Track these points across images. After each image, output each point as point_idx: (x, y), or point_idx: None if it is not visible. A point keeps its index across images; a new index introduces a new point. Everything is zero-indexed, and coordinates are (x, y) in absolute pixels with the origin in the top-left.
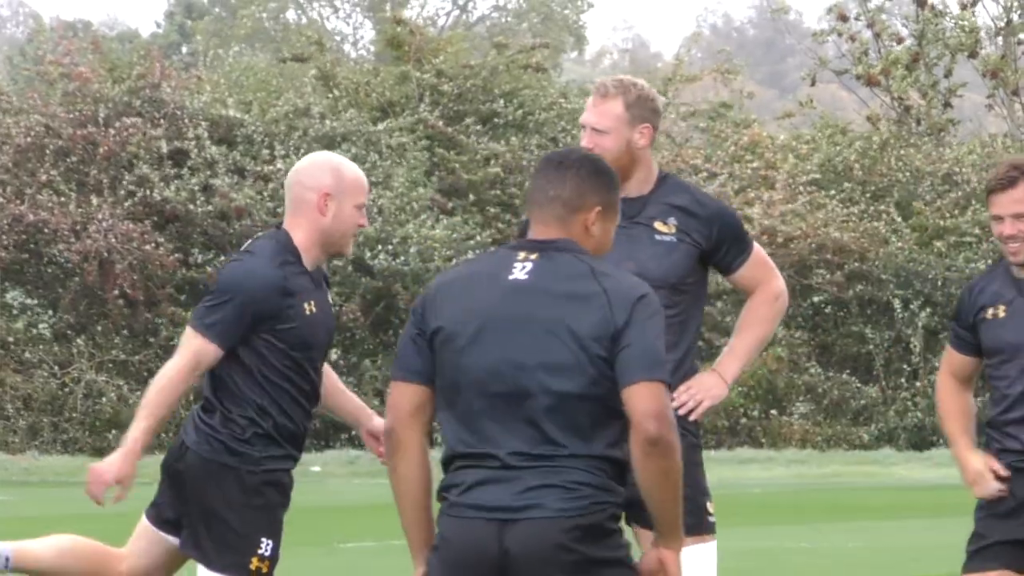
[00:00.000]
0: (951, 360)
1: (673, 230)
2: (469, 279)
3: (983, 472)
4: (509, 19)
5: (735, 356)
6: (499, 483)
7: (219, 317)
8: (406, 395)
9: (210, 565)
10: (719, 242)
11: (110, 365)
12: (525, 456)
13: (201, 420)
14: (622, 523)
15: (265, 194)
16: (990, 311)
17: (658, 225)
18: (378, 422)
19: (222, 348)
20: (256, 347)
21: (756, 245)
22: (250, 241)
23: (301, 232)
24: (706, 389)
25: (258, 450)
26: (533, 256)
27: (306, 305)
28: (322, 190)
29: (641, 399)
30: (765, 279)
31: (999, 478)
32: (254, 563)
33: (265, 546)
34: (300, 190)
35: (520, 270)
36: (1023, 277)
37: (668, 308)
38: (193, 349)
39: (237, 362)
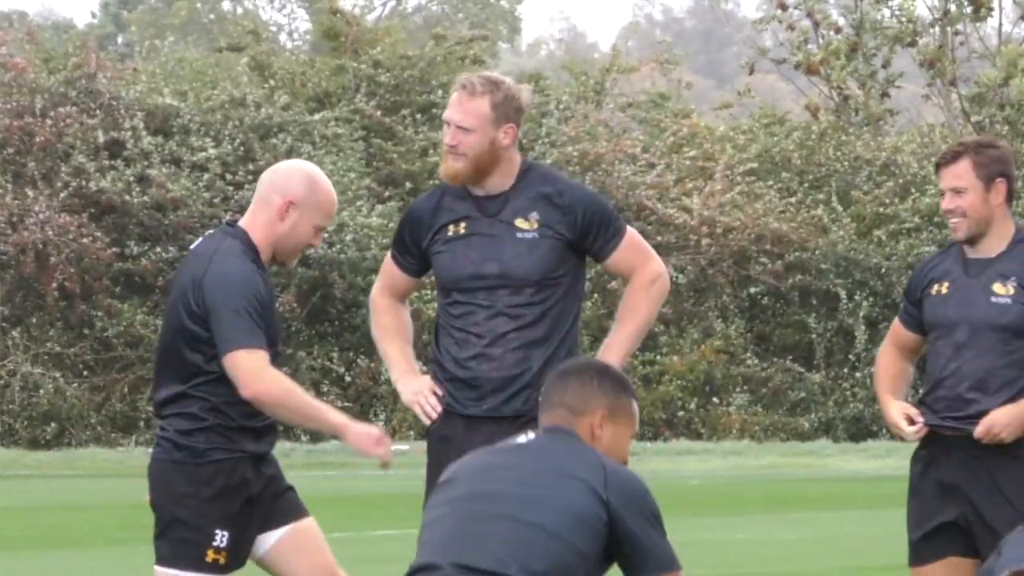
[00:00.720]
0: (896, 333)
1: (535, 225)
2: (482, 450)
3: (898, 421)
4: (446, 8)
5: (613, 352)
6: None
7: (250, 325)
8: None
9: (163, 562)
10: (585, 229)
11: (46, 357)
12: (474, 571)
13: (158, 431)
14: None
15: (201, 184)
16: (935, 287)
17: (519, 222)
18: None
19: (266, 350)
20: (204, 347)
21: (630, 229)
22: (204, 240)
23: (258, 232)
24: None
25: (202, 442)
26: (541, 431)
27: (274, 300)
28: (288, 197)
29: None
30: (640, 263)
31: (921, 426)
32: (210, 555)
33: (220, 537)
34: (269, 190)
35: (524, 439)
36: (972, 257)
37: (535, 304)
38: (257, 365)
39: (185, 364)
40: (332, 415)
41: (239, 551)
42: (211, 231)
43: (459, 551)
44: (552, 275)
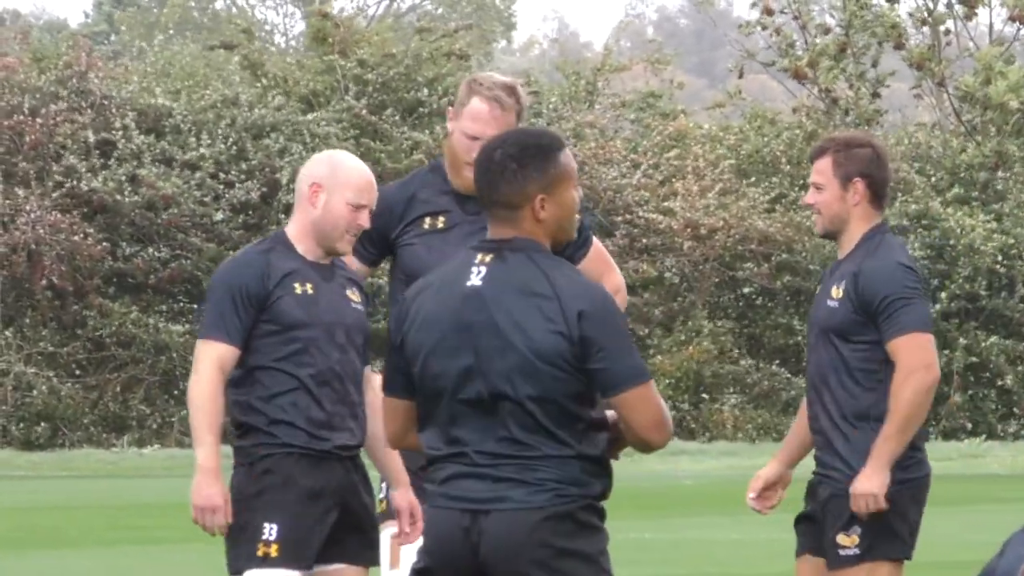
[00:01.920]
0: None
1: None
2: (433, 289)
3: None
4: (440, 9)
5: None
6: (470, 477)
7: (215, 316)
8: (396, 412)
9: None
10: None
11: (39, 357)
12: (496, 456)
13: None
14: (598, 519)
15: (192, 183)
16: (818, 288)
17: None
18: (402, 500)
19: (233, 346)
20: (252, 336)
21: (595, 239)
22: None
23: (295, 226)
24: None
25: (248, 441)
26: (488, 259)
27: (296, 284)
28: (312, 180)
29: (639, 410)
30: (605, 273)
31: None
32: (260, 549)
33: (268, 530)
34: (299, 184)
35: (476, 275)
36: (838, 257)
37: None
38: (201, 356)
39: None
40: (201, 454)
41: (293, 539)
42: None
43: (477, 437)
44: None
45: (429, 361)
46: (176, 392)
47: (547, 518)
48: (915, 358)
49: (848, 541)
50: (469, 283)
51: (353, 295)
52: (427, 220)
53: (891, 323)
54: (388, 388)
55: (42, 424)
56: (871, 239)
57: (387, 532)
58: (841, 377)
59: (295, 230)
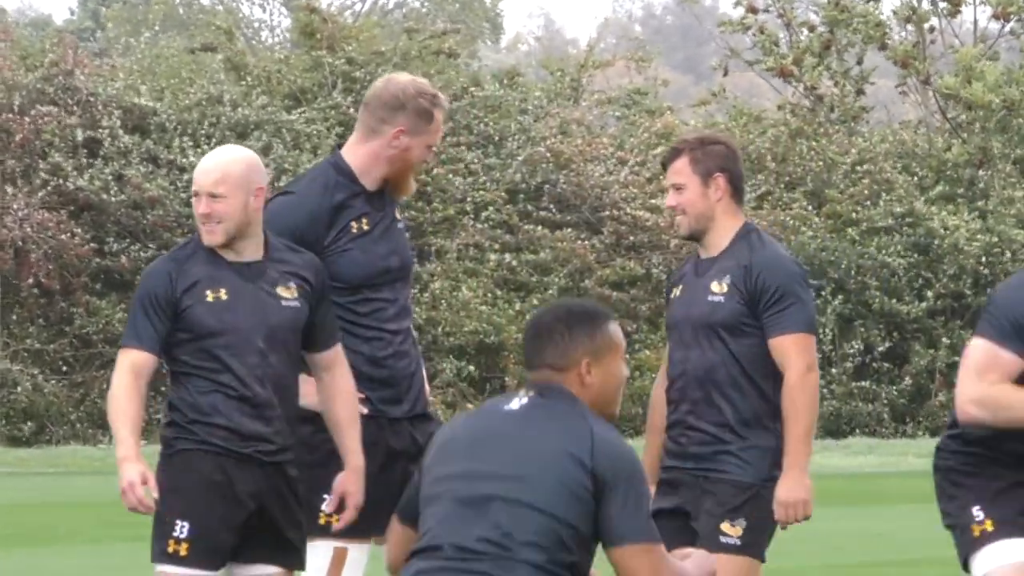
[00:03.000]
0: None
1: (400, 215)
2: (472, 416)
3: None
4: (427, 6)
5: None
6: (446, 572)
7: (131, 324)
8: (400, 537)
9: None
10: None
11: (25, 354)
12: (471, 552)
13: None
14: None
15: (179, 184)
16: (675, 291)
17: (396, 213)
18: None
19: (146, 351)
20: (170, 343)
21: None
22: None
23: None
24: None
25: (170, 432)
26: (531, 393)
27: (208, 292)
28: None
29: (639, 566)
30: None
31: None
32: (171, 545)
33: (180, 528)
34: None
35: (516, 402)
36: (702, 256)
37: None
38: (117, 363)
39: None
40: (121, 446)
41: (202, 538)
42: None
43: (457, 533)
44: None
45: (441, 462)
46: (162, 388)
47: None
48: (804, 359)
49: (732, 531)
50: (507, 407)
51: (287, 291)
52: (354, 225)
53: (780, 319)
54: (403, 515)
55: (29, 422)
56: (748, 236)
57: (326, 544)
58: (732, 373)
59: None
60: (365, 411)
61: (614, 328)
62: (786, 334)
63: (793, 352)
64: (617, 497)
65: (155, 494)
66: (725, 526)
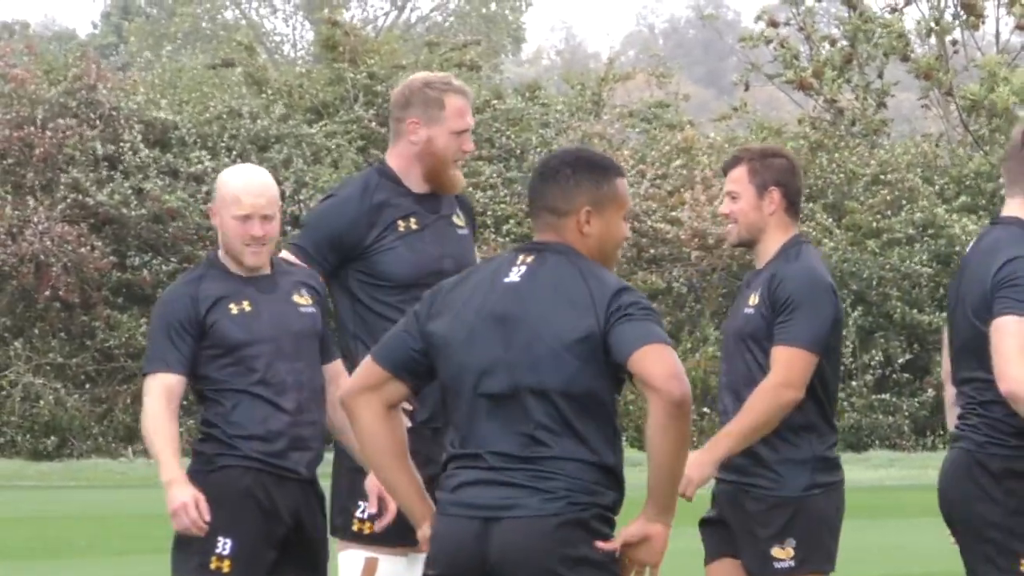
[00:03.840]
0: None
1: (465, 223)
2: (470, 284)
3: None
4: (449, 20)
5: None
6: (485, 484)
7: (156, 349)
8: (367, 372)
9: (177, 570)
10: (472, 228)
11: (47, 368)
12: (510, 458)
13: None
14: (608, 528)
15: (199, 196)
16: (737, 298)
17: (455, 219)
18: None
19: (176, 374)
20: (199, 363)
21: None
22: None
23: (221, 247)
24: None
25: (209, 448)
26: (529, 259)
27: (232, 306)
28: (211, 206)
29: (654, 362)
30: None
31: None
32: (213, 562)
33: (223, 545)
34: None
35: (515, 273)
36: (755, 267)
37: None
38: (146, 389)
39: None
40: (166, 469)
41: (244, 557)
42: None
43: (495, 437)
44: None
45: (453, 352)
46: (184, 403)
47: (559, 526)
48: (785, 373)
49: (783, 554)
50: (507, 279)
51: (301, 298)
52: (400, 223)
53: (781, 329)
54: (378, 355)
55: (50, 436)
56: (790, 249)
57: (358, 554)
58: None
59: (222, 251)
60: (409, 424)
61: (621, 183)
62: (780, 345)
63: (779, 363)
64: (622, 318)
65: (207, 516)
66: (776, 551)
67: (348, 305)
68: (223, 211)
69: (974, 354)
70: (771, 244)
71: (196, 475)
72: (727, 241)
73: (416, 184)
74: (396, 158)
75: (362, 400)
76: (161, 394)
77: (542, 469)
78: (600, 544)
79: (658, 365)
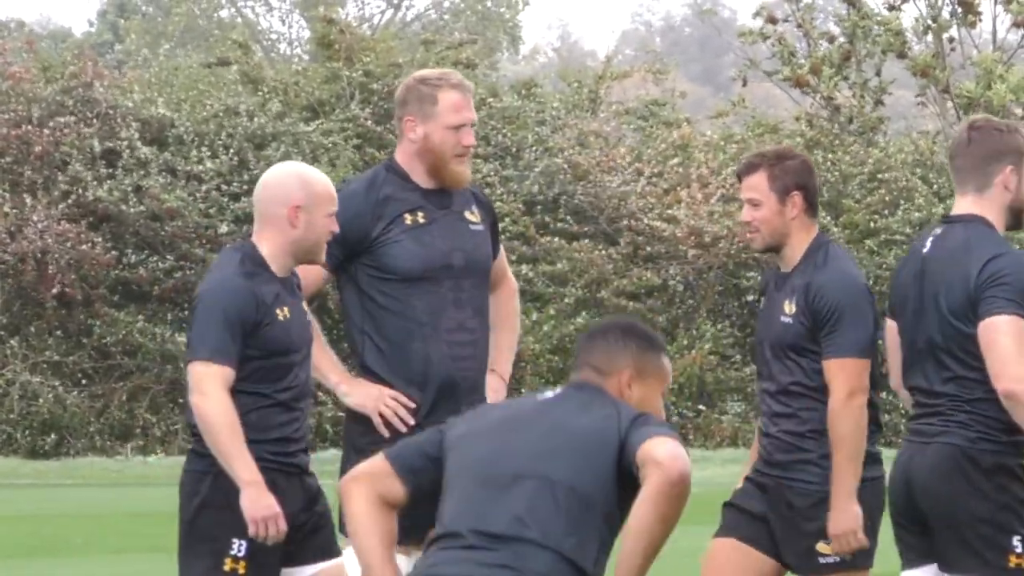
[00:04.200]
0: None
1: (479, 218)
2: (504, 404)
3: None
4: (445, 17)
5: (503, 368)
6: (459, 563)
7: (215, 339)
8: (373, 461)
9: (185, 572)
10: (495, 228)
11: (44, 366)
12: (491, 537)
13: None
14: None
15: (198, 195)
16: (762, 300)
17: (468, 215)
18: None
19: (232, 369)
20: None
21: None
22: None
23: (268, 244)
24: (497, 393)
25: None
26: (569, 388)
27: (280, 311)
28: (292, 203)
29: (661, 444)
30: (507, 272)
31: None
32: (228, 564)
33: (238, 546)
34: (269, 205)
35: (551, 393)
36: (781, 270)
37: (486, 296)
38: (205, 379)
39: None
40: (244, 470)
41: (258, 559)
42: (226, 246)
43: (478, 516)
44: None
45: (465, 445)
46: (181, 401)
47: None
48: (847, 385)
49: (828, 549)
50: (541, 397)
51: (305, 305)
52: (407, 217)
53: (830, 342)
54: (393, 460)
55: (49, 434)
56: (816, 251)
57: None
58: (807, 387)
59: (270, 250)
60: (412, 422)
61: (666, 361)
62: (832, 358)
63: (836, 377)
64: (637, 429)
65: (283, 525)
66: (821, 547)
67: (355, 299)
68: (316, 209)
69: (952, 355)
70: (797, 247)
71: (202, 474)
72: (752, 247)
73: (423, 180)
74: (401, 156)
75: (359, 484)
76: (224, 388)
77: (520, 552)
78: None
79: (665, 446)
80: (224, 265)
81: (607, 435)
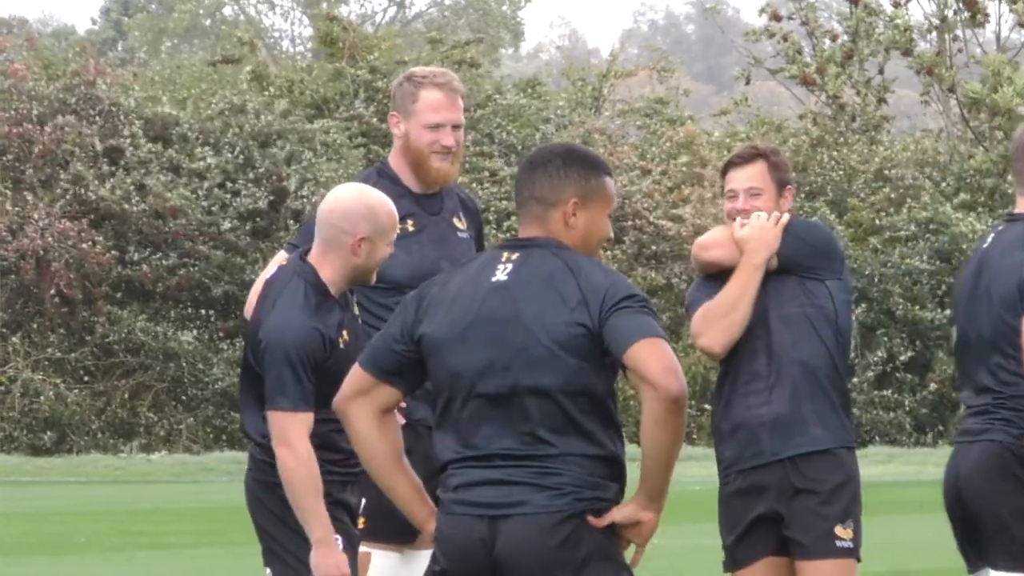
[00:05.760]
0: None
1: (466, 226)
2: (456, 284)
3: None
4: (447, 15)
5: None
6: (489, 483)
7: (296, 385)
8: (356, 378)
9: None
10: (480, 232)
11: (46, 363)
12: (514, 457)
13: (254, 452)
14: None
15: (200, 192)
16: None
17: (456, 222)
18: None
19: (311, 411)
20: None
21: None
22: (278, 272)
23: (329, 269)
24: None
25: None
26: (515, 256)
27: (341, 338)
28: (358, 235)
29: (650, 356)
30: None
31: None
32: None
33: (360, 506)
34: (335, 232)
35: (501, 271)
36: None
37: None
38: (290, 430)
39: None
40: (320, 529)
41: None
42: (285, 260)
43: (499, 437)
44: None
45: (448, 354)
46: (184, 398)
47: (565, 520)
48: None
49: (845, 534)
50: (495, 278)
51: (356, 309)
52: (398, 225)
53: None
54: (366, 363)
55: (49, 431)
56: None
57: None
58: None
59: (331, 275)
60: (403, 421)
61: (608, 181)
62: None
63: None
64: (616, 312)
65: None
66: (839, 530)
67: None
68: (380, 239)
69: (999, 350)
70: None
71: (267, 485)
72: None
73: (412, 182)
74: (393, 156)
75: (354, 406)
76: (307, 437)
77: (546, 466)
78: (592, 520)
79: (654, 359)
80: (288, 301)
81: (582, 330)
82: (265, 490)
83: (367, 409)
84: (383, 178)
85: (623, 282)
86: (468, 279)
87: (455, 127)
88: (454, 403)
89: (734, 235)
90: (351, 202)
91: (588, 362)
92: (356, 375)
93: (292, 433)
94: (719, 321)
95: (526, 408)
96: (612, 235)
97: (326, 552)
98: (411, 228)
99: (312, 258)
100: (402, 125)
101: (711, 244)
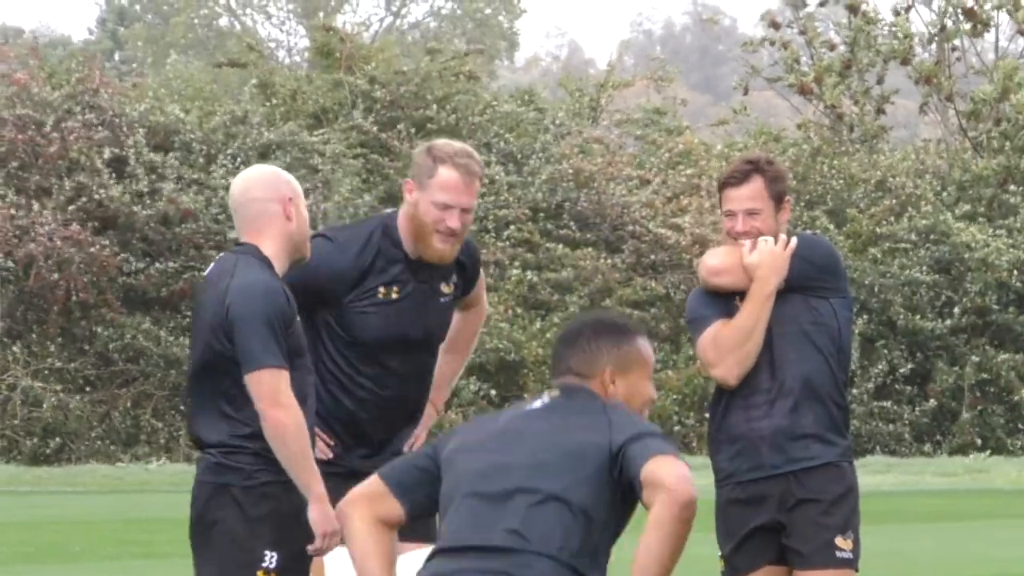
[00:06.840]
0: None
1: (452, 289)
2: (496, 415)
3: None
4: (443, 25)
5: (446, 386)
6: (463, 572)
7: (273, 343)
8: (370, 483)
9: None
10: (474, 270)
11: (47, 372)
12: (490, 550)
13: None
14: None
15: (214, 200)
16: None
17: (442, 286)
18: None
19: (287, 368)
20: (237, 369)
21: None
22: (217, 264)
23: (271, 244)
24: (428, 420)
25: (248, 463)
26: (556, 392)
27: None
28: (285, 195)
29: (667, 466)
30: (482, 299)
31: None
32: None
33: (270, 558)
34: (260, 205)
35: (539, 402)
36: None
37: (434, 360)
38: (277, 388)
39: (235, 384)
40: (316, 484)
41: (291, 569)
42: (220, 255)
43: (481, 531)
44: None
45: (459, 460)
46: (183, 407)
47: None
48: None
49: (845, 544)
50: (530, 407)
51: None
52: (381, 290)
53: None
54: (386, 471)
55: (51, 439)
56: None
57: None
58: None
59: (274, 249)
60: (329, 455)
61: (642, 342)
62: None
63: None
64: (635, 442)
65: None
66: (840, 541)
67: (311, 341)
68: (301, 201)
69: None
70: None
71: (228, 488)
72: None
73: (411, 248)
74: (401, 216)
75: (358, 508)
76: (291, 392)
77: (519, 561)
78: None
79: (670, 468)
80: (245, 268)
81: (598, 446)
82: (221, 494)
83: (370, 512)
84: (386, 237)
85: (653, 425)
86: (506, 412)
87: (464, 210)
88: (451, 505)
89: (744, 261)
90: (262, 172)
91: (595, 479)
92: (371, 481)
93: (283, 391)
94: (733, 353)
95: (517, 507)
96: (655, 395)
97: (324, 508)
98: (394, 295)
99: (246, 240)
100: (415, 194)
101: (721, 270)
